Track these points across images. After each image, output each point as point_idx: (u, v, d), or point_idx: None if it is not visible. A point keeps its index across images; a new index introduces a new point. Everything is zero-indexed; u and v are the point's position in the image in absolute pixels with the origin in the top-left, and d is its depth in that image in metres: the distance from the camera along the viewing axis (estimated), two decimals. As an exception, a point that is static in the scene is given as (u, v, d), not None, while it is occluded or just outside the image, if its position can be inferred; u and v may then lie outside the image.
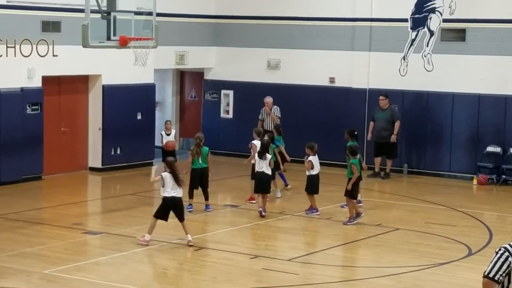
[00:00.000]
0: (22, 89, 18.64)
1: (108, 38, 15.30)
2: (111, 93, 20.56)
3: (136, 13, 15.89)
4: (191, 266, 12.50)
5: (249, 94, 22.99)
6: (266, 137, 16.73)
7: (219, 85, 23.70)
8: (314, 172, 16.07)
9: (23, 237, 13.98)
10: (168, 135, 19.58)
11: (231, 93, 23.55)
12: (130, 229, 14.57)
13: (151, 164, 21.21)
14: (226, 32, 23.59)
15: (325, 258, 13.42)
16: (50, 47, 19.05)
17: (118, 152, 20.75)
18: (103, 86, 20.44)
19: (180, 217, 13.66)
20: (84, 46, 15.12)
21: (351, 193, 15.41)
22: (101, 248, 13.53)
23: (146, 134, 21.46)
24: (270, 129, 20.18)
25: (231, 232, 14.87)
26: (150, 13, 16.10)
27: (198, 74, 24.20)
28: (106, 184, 19.68)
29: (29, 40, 18.60)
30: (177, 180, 13.42)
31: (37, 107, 18.97)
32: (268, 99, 20.90)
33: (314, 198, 16.20)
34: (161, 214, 13.60)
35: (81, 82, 20.42)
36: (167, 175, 13.48)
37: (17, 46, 18.39)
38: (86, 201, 18.09)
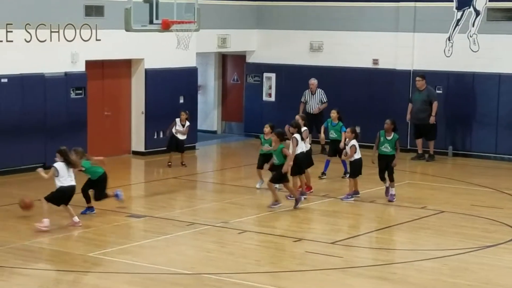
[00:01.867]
0: (66, 74, 18.76)
1: (151, 22, 15.32)
2: (154, 77, 20.60)
3: (178, -4, 15.88)
4: (234, 249, 12.48)
5: (292, 77, 22.89)
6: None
7: (261, 68, 23.62)
8: (357, 156, 15.85)
9: (68, 220, 14.08)
10: (182, 125, 19.24)
11: (273, 76, 23.45)
12: (173, 213, 14.60)
13: (193, 148, 21.37)
14: (269, 15, 23.48)
15: (369, 241, 13.33)
16: (93, 31, 19.12)
17: (161, 136, 20.80)
18: (146, 70, 20.49)
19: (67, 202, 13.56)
20: (126, 30, 15.15)
21: (276, 178, 15.02)
22: (145, 231, 13.59)
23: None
24: (313, 112, 20.15)
25: (274, 215, 14.81)
26: (192, -4, 16.06)
27: (240, 57, 24.14)
28: (149, 168, 19.76)
29: (72, 25, 18.69)
30: (73, 167, 13.40)
31: (80, 91, 19.08)
32: (313, 81, 20.93)
33: (356, 182, 16.01)
34: (55, 200, 13.45)
35: (124, 66, 20.50)
36: (61, 165, 13.39)
37: (61, 31, 18.50)
38: (129, 184, 18.16)
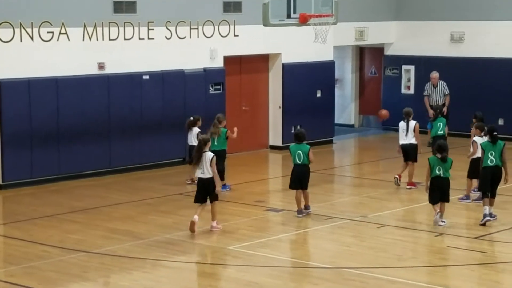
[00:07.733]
0: (204, 70, 19.03)
1: (288, 16, 15.33)
2: (291, 71, 20.62)
3: (316, -10, 15.82)
4: (374, 243, 12.31)
5: (431, 69, 22.34)
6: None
7: (400, 61, 23.28)
8: (477, 155, 14.32)
9: (208, 214, 14.25)
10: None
11: (412, 68, 23.07)
12: (312, 206, 14.52)
13: (331, 142, 21.25)
14: (408, 6, 23.12)
15: (514, 236, 12.85)
16: (232, 27, 19.32)
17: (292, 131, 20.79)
18: (283, 65, 20.53)
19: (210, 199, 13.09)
20: (264, 25, 15.20)
21: None
22: (283, 225, 13.60)
23: (325, 112, 21.40)
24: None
25: (412, 209, 14.55)
26: (329, -11, 15.97)
27: (378, 50, 23.86)
28: (286, 162, 19.67)
29: (211, 21, 18.95)
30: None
31: (219, 87, 19.32)
32: (435, 74, 20.97)
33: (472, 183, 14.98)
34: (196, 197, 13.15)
35: (261, 61, 20.61)
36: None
37: (200, 28, 18.78)
38: (267, 179, 18.27)
